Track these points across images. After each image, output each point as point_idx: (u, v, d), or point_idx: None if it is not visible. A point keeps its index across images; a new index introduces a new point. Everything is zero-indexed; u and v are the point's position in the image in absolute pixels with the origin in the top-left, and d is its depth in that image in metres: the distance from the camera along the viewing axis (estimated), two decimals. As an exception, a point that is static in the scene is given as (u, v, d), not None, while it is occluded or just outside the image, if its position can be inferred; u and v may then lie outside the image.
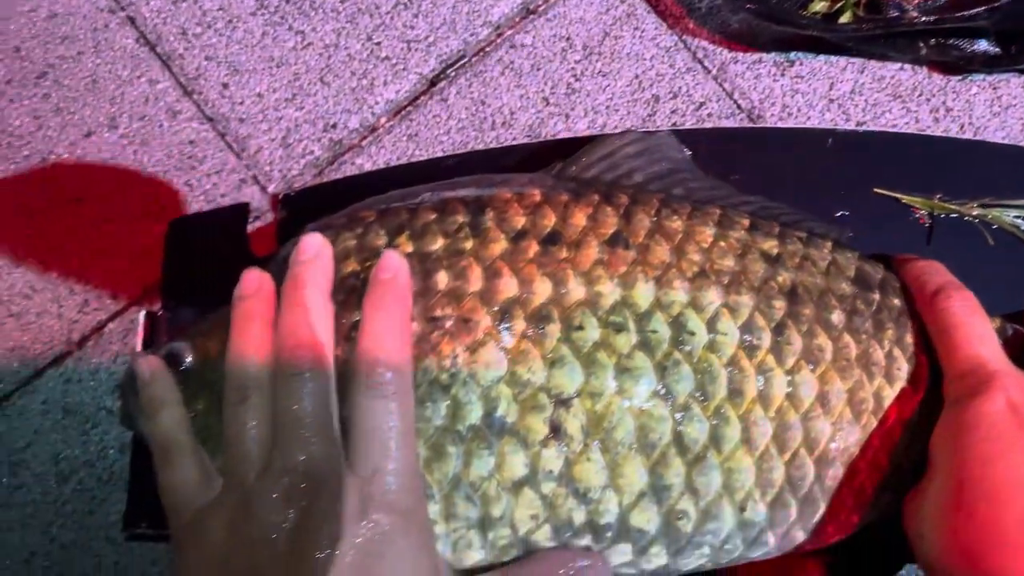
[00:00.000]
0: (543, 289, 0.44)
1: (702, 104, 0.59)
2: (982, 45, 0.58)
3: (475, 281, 0.45)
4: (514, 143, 0.59)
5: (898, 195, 0.56)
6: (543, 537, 0.44)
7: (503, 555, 0.44)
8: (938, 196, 0.56)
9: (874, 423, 0.47)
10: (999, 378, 0.44)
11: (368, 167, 0.59)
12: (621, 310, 0.44)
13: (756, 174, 0.55)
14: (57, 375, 0.57)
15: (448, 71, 0.60)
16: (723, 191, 0.52)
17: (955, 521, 0.42)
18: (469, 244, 0.46)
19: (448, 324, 0.44)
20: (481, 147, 0.59)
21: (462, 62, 0.60)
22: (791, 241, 0.49)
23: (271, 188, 0.59)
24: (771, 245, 0.48)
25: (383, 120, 0.59)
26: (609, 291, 0.45)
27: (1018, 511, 0.41)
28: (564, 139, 0.59)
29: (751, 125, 0.59)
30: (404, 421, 0.42)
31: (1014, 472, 0.42)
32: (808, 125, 0.59)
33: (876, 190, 0.56)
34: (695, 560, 0.46)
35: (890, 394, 0.47)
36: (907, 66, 0.60)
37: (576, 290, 0.45)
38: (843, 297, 0.48)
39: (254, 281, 0.46)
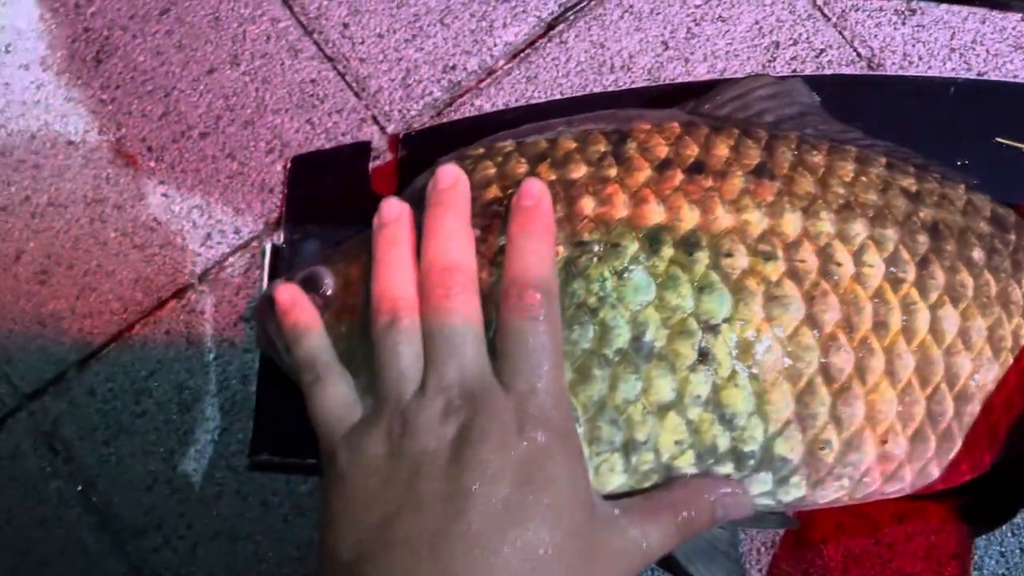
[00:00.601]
0: (691, 216, 0.45)
1: (822, 51, 0.59)
2: (1111, -5, 0.58)
3: (621, 207, 0.45)
4: (634, 86, 0.59)
5: (1020, 145, 0.56)
6: (686, 463, 0.44)
7: (644, 480, 0.44)
8: (1060, 147, 0.55)
9: (1011, 362, 0.47)
10: None
11: (487, 109, 0.59)
12: (769, 239, 0.44)
13: (877, 122, 0.55)
14: (180, 307, 0.58)
15: (567, 14, 0.60)
16: (854, 134, 0.52)
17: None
18: (613, 172, 0.46)
19: (596, 248, 0.44)
20: (599, 90, 0.59)
21: (581, 5, 0.60)
22: (928, 180, 0.49)
23: (390, 128, 0.60)
24: (910, 182, 0.48)
25: (501, 63, 0.60)
26: (757, 220, 0.45)
27: None
28: (684, 83, 0.59)
29: (872, 73, 0.59)
30: (554, 342, 0.42)
31: None
32: (930, 74, 0.59)
33: (997, 140, 0.56)
34: (832, 492, 0.46)
35: (1027, 333, 0.47)
36: (1029, 17, 0.60)
37: (724, 218, 0.45)
38: (981, 236, 0.48)
39: (395, 208, 0.46)
